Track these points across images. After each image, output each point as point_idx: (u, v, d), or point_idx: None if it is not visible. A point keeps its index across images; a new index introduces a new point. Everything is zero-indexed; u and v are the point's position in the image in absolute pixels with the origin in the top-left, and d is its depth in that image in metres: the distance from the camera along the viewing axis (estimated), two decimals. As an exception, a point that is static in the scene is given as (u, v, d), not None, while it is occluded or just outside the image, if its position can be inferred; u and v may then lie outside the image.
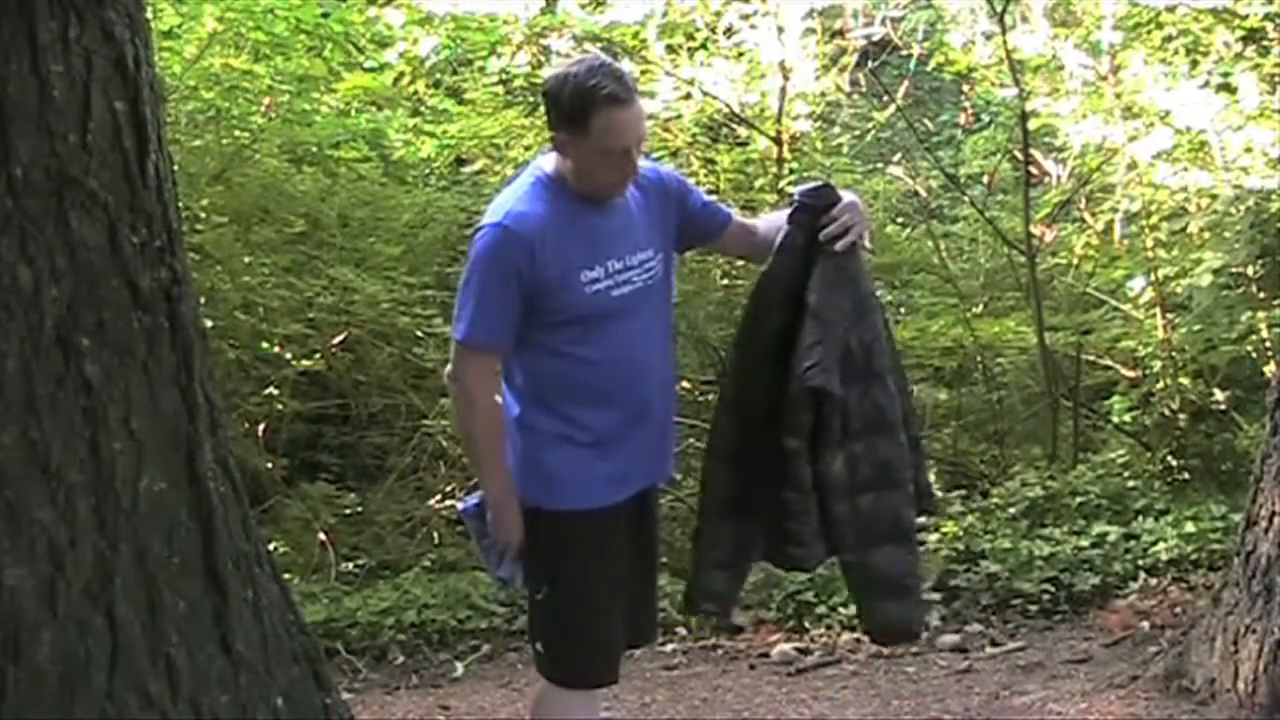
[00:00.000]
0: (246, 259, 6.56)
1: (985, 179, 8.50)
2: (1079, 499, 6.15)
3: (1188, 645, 4.29)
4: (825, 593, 5.42)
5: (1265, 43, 7.08)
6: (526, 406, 2.98)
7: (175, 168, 2.86)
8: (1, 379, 2.40)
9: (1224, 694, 4.01)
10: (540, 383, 2.97)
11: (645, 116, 2.95)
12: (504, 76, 7.93)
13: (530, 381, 2.97)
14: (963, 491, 6.44)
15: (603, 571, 2.99)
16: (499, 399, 2.99)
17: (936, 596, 5.36)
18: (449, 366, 3.01)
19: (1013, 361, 7.69)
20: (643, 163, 2.99)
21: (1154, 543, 5.63)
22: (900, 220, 8.74)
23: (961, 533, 5.78)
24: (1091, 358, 7.34)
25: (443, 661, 5.23)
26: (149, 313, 2.58)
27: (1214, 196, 6.94)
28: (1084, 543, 5.64)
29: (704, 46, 7.68)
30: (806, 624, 5.28)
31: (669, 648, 5.15)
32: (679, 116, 7.54)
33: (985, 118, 9.35)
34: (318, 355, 6.54)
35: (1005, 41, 7.17)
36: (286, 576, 3.63)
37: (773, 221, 3.18)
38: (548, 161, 2.99)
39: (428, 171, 7.99)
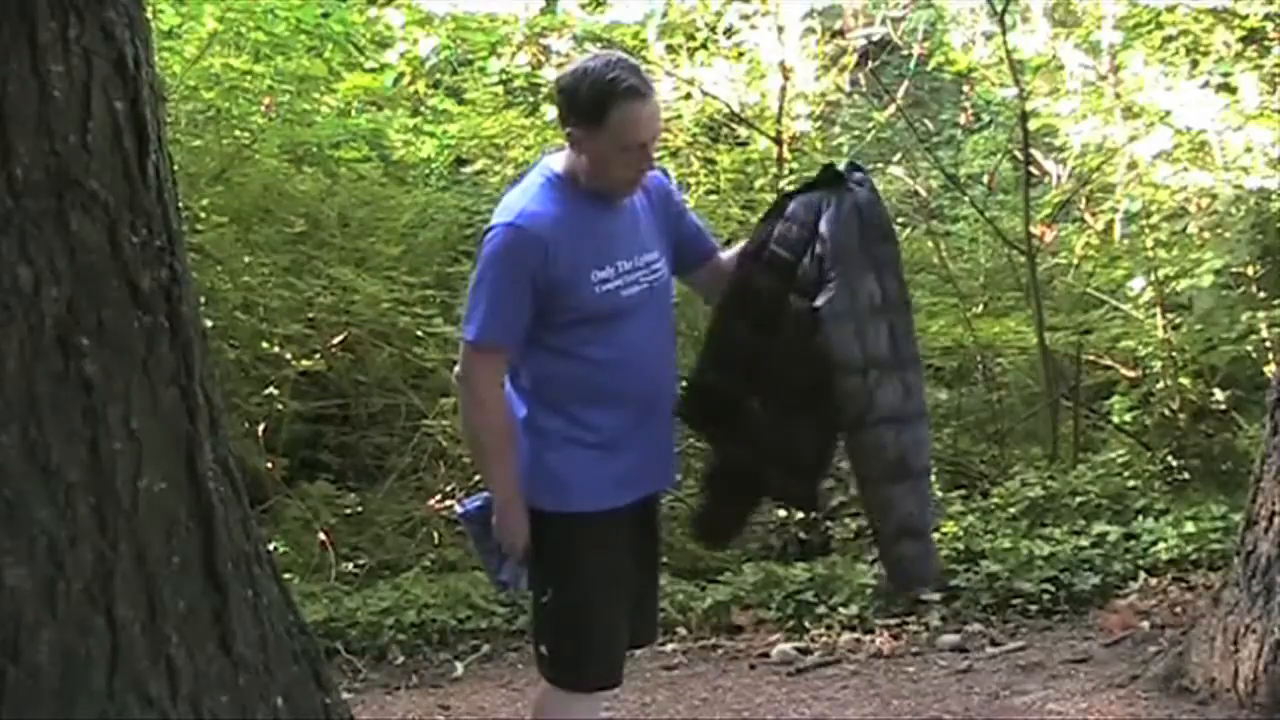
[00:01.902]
0: (246, 259, 6.56)
1: (985, 179, 8.50)
2: (1079, 499, 6.15)
3: (1188, 645, 4.29)
4: (825, 593, 5.43)
5: (1265, 43, 7.08)
6: (533, 408, 2.98)
7: (175, 168, 2.86)
8: (1, 379, 2.40)
9: (1224, 694, 4.01)
10: (548, 384, 2.96)
11: (660, 111, 2.95)
12: (504, 77, 7.95)
13: (537, 382, 2.97)
14: (963, 491, 6.44)
15: (607, 574, 2.99)
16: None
17: (936, 596, 5.37)
18: (457, 368, 3.00)
19: (1013, 361, 7.70)
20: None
21: (1154, 543, 5.63)
22: (900, 220, 8.73)
23: (961, 533, 5.78)
24: (1091, 358, 7.34)
25: (443, 661, 5.23)
26: (149, 313, 2.58)
27: (1214, 196, 6.95)
28: (1084, 543, 5.65)
29: (704, 46, 7.68)
30: (806, 624, 5.29)
31: (669, 648, 5.15)
32: (679, 116, 7.54)
33: (985, 118, 9.35)
34: (318, 355, 6.54)
35: (1005, 41, 7.17)
36: (286, 576, 3.64)
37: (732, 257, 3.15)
38: (556, 161, 2.99)
39: (428, 171, 8.00)
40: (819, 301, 2.88)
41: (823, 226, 2.91)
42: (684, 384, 3.09)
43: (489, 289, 2.89)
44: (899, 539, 3.02)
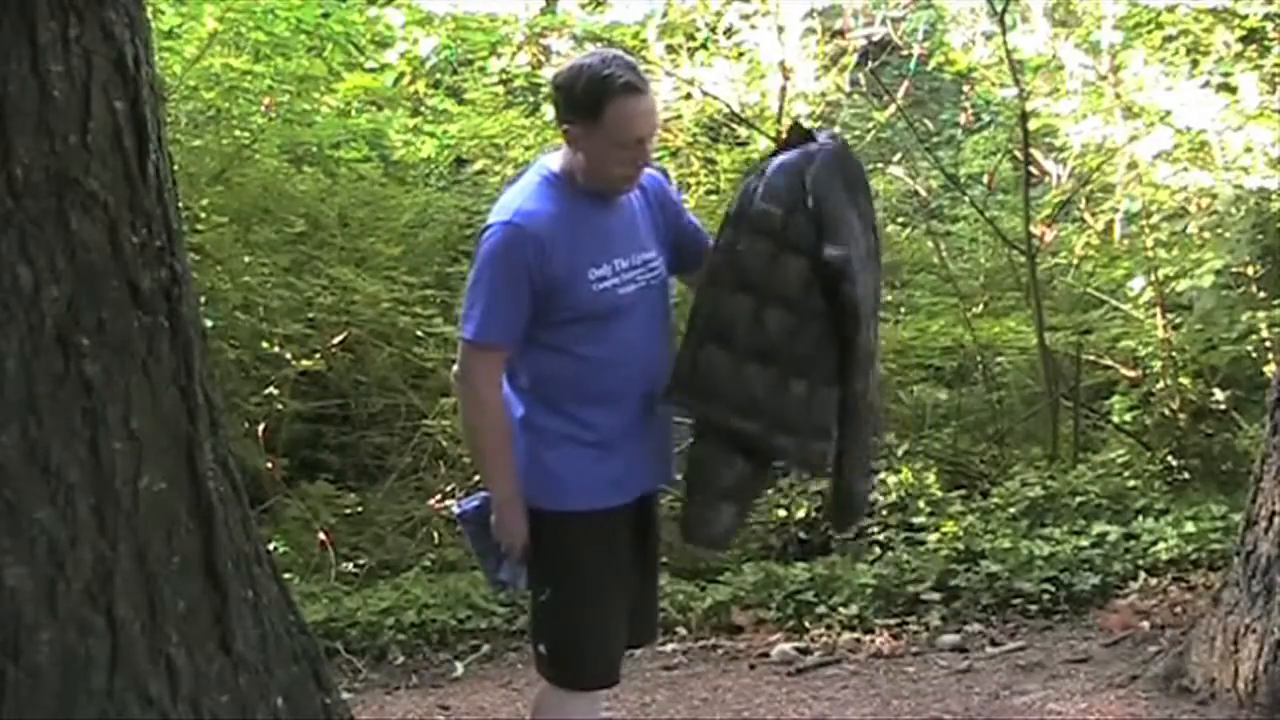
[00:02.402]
0: (246, 259, 6.56)
1: (985, 179, 8.50)
2: (1079, 499, 6.15)
3: (1188, 645, 4.29)
4: (825, 593, 5.43)
5: (1265, 43, 7.08)
6: (531, 406, 2.98)
7: (175, 168, 2.86)
8: (1, 379, 2.40)
9: (1224, 694, 4.01)
10: (545, 382, 2.96)
11: (657, 108, 2.95)
12: (504, 77, 7.95)
13: (535, 381, 2.97)
14: (963, 491, 6.44)
15: (606, 573, 2.99)
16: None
17: (936, 596, 5.37)
18: (456, 367, 2.99)
19: (1013, 361, 7.69)
20: (645, 169, 3.00)
21: (1154, 543, 5.63)
22: (900, 220, 8.75)
23: (961, 533, 5.78)
24: (1091, 358, 7.34)
25: (443, 661, 5.23)
26: (149, 313, 2.58)
27: (1214, 196, 6.95)
28: (1084, 543, 5.65)
29: (704, 46, 7.68)
30: (806, 624, 5.29)
31: (669, 648, 5.15)
32: (679, 116, 7.54)
33: (985, 118, 9.35)
34: (318, 355, 6.53)
35: (1005, 41, 7.17)
36: (286, 576, 3.63)
37: None
38: (553, 160, 3.00)
39: (428, 171, 7.99)
40: (833, 252, 2.84)
41: (811, 182, 2.88)
42: (675, 367, 2.98)
43: (487, 288, 2.89)
44: (865, 478, 3.12)
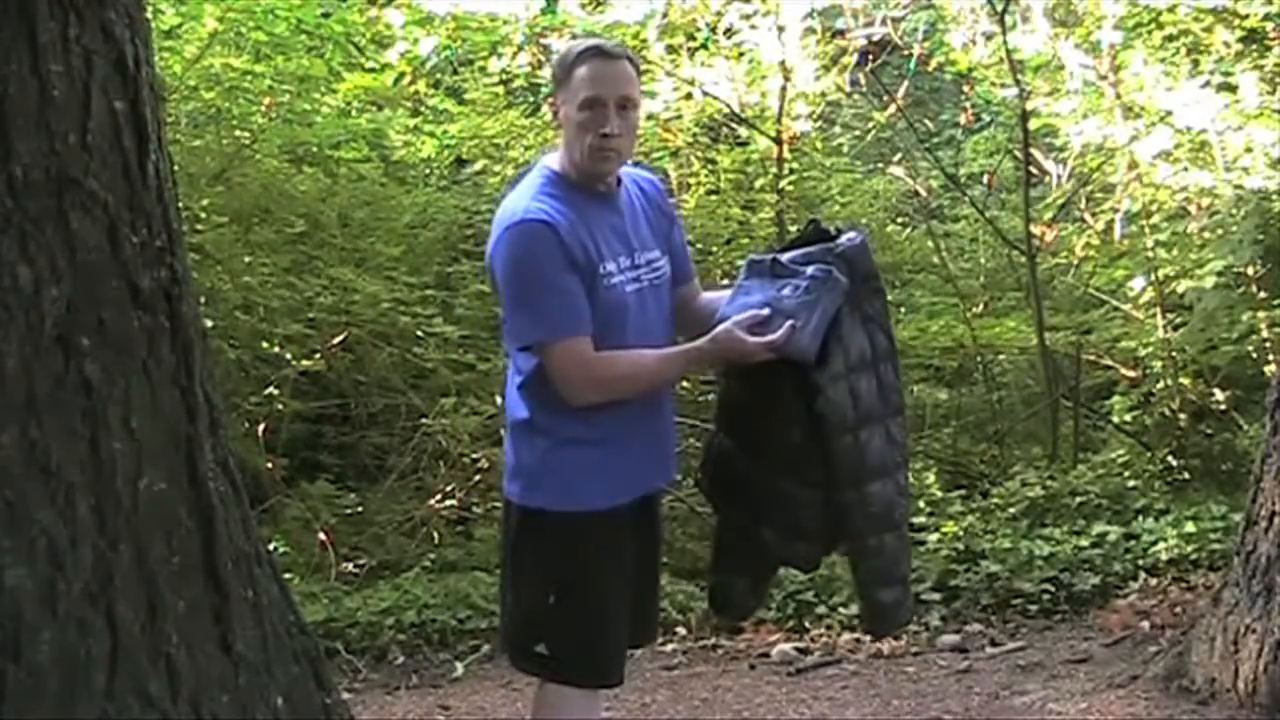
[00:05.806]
0: (246, 259, 6.56)
1: (985, 179, 8.50)
2: (1079, 499, 6.16)
3: (1188, 645, 4.30)
4: (825, 593, 5.42)
5: (1265, 43, 7.09)
6: (536, 408, 2.97)
7: (175, 168, 2.86)
8: (1, 379, 2.40)
9: (1224, 694, 4.01)
10: (550, 383, 2.95)
11: (634, 80, 2.94)
12: (505, 77, 7.95)
13: (540, 382, 2.95)
14: (963, 491, 6.44)
15: (610, 572, 2.99)
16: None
17: (936, 596, 5.37)
18: (557, 386, 2.90)
19: (1013, 361, 7.71)
20: (643, 173, 3.00)
21: (1154, 543, 5.64)
22: (900, 220, 8.75)
23: (961, 533, 5.79)
24: (1091, 358, 7.35)
25: (443, 661, 5.23)
26: (149, 313, 2.58)
27: (1215, 196, 6.96)
28: (1084, 543, 5.65)
29: (704, 46, 7.68)
30: (806, 624, 5.29)
31: (669, 648, 5.16)
32: (679, 116, 7.54)
33: (985, 118, 9.35)
34: (318, 355, 6.53)
35: (1005, 41, 7.17)
36: (286, 576, 3.63)
37: (711, 300, 3.13)
38: (552, 160, 3.00)
39: (428, 171, 7.99)
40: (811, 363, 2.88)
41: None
42: (703, 449, 3.15)
43: (536, 286, 2.85)
44: (880, 588, 3.06)
